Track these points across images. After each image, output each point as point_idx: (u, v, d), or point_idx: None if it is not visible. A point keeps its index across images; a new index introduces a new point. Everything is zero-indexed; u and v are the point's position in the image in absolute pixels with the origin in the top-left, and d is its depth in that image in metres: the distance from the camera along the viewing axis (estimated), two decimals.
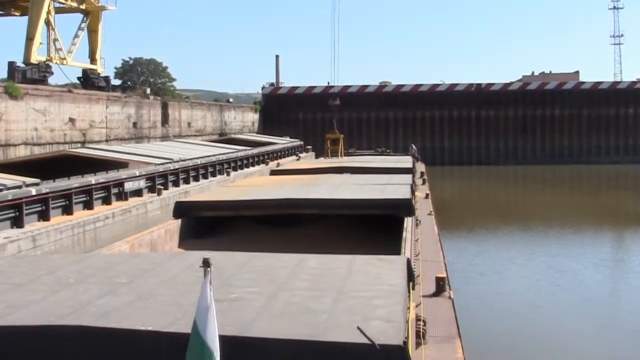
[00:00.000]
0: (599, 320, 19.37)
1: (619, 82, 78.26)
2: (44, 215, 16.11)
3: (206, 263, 4.89)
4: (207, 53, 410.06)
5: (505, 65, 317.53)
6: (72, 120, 33.12)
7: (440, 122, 73.23)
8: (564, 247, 29.65)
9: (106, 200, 19.01)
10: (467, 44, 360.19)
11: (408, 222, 15.89)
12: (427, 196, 25.61)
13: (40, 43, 38.18)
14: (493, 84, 74.94)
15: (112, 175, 20.12)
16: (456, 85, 74.83)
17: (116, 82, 63.34)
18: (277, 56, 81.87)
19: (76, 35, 43.07)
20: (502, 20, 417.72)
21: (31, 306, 7.03)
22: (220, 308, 5.11)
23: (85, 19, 43.63)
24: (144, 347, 6.09)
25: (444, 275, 11.51)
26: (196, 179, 25.74)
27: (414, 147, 51.59)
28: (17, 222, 15.11)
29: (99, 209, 18.15)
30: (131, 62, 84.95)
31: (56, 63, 39.72)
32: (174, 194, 21.88)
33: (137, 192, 20.78)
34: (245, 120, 65.39)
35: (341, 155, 46.76)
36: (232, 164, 31.15)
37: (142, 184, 21.12)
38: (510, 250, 28.72)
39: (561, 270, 24.65)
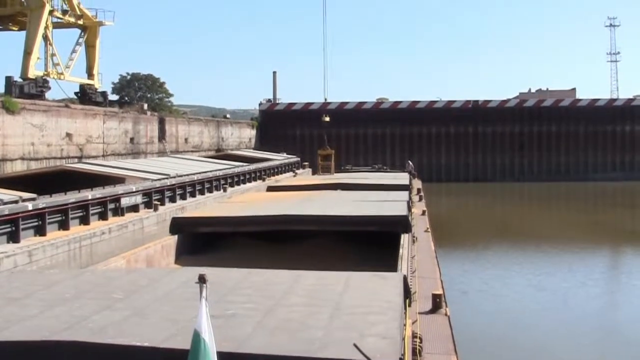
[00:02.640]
0: (595, 338, 19.32)
1: (615, 99, 78.53)
2: (40, 230, 16.08)
3: (202, 279, 4.88)
4: (205, 69, 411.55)
5: (503, 82, 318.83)
6: (69, 135, 33.14)
7: (437, 138, 73.34)
8: (561, 265, 29.60)
9: (103, 216, 18.98)
10: (465, 61, 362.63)
11: (405, 238, 15.92)
12: (423, 213, 25.64)
13: (38, 58, 38.29)
14: (490, 100, 75.16)
15: (109, 190, 20.11)
16: (453, 102, 75.01)
17: (113, 97, 63.26)
18: (274, 72, 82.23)
19: (74, 51, 43.24)
20: (500, 37, 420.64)
21: (27, 321, 7.01)
22: (216, 324, 5.10)
23: (82, 34, 43.78)
24: None
25: (440, 292, 11.52)
26: (193, 194, 25.73)
27: (410, 163, 51.71)
28: (14, 237, 15.09)
29: (96, 224, 18.12)
30: (128, 77, 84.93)
31: (53, 78, 39.80)
32: (170, 209, 21.86)
33: (134, 208, 20.76)
34: (242, 136, 65.45)
35: (332, 172, 46.56)
36: (229, 180, 31.16)
37: (138, 199, 21.11)
38: (508, 268, 28.66)
39: (558, 289, 24.61)
